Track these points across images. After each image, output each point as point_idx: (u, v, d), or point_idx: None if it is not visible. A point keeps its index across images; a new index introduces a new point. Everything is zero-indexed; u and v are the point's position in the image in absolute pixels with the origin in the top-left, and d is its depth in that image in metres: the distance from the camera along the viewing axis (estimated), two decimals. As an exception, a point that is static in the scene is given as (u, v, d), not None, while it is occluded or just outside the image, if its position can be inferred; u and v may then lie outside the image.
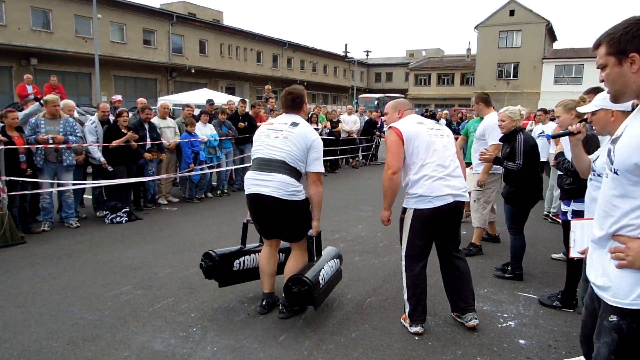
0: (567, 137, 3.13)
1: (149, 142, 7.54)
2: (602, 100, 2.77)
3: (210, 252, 3.96)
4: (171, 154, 8.29)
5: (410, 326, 3.53)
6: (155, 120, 8.08)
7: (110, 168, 6.93)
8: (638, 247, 1.66)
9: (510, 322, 3.75)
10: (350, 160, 14.68)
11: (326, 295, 3.81)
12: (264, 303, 3.86)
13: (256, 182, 3.56)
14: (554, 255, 5.44)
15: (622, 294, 1.72)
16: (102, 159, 6.90)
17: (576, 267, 3.96)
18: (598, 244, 1.84)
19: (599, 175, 2.53)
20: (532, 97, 36.97)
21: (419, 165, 3.38)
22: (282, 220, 3.62)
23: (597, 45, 1.76)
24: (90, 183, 7.14)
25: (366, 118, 15.48)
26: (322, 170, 3.68)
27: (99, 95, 19.32)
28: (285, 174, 3.49)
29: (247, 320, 3.70)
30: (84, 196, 7.43)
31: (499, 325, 3.70)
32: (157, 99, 19.32)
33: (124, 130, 7.04)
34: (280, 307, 3.78)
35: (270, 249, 3.88)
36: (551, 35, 43.18)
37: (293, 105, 3.74)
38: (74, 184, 6.61)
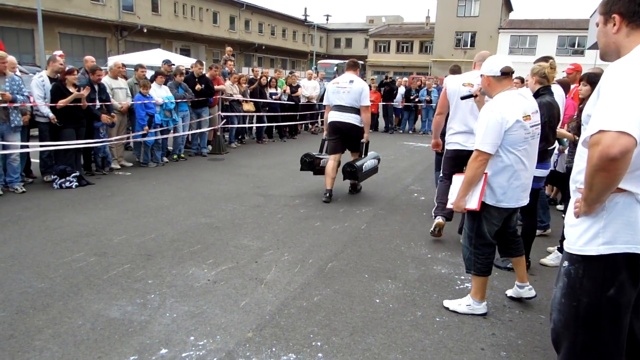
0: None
1: (98, 104, 7.13)
2: (483, 69, 3.16)
3: (309, 153, 6.78)
4: (122, 117, 7.90)
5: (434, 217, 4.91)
6: (106, 79, 7.63)
7: (58, 123, 6.51)
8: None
9: (467, 284, 3.86)
10: (310, 125, 14.56)
11: (366, 177, 6.49)
12: (327, 195, 6.21)
13: (338, 116, 6.15)
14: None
15: (572, 240, 1.87)
16: (51, 114, 6.47)
17: (529, 232, 4.12)
18: (574, 195, 1.95)
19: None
20: (488, 67, 37.66)
21: (451, 118, 4.77)
22: (350, 136, 6.27)
23: (600, 5, 1.92)
24: (37, 145, 6.71)
25: (327, 84, 15.30)
26: (369, 103, 6.26)
27: (43, 53, 18.01)
28: (353, 112, 6.13)
29: (207, 286, 3.63)
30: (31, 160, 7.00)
31: (457, 287, 3.81)
32: (107, 58, 18.31)
33: (71, 89, 6.61)
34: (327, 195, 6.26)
35: (334, 162, 6.27)
36: (507, 5, 43.77)
37: (353, 66, 6.37)
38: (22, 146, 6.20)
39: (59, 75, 6.87)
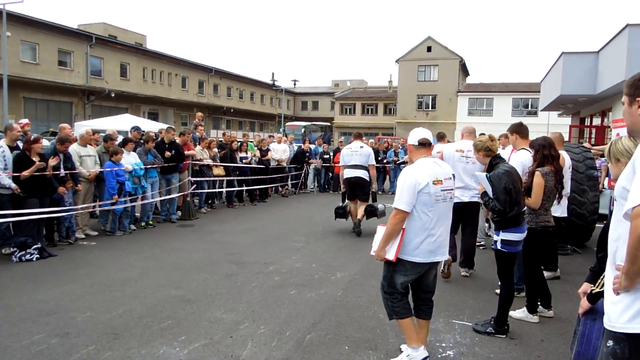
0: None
1: (62, 172, 6.94)
2: (408, 138, 3.58)
3: (340, 205, 8.82)
4: (89, 185, 7.71)
5: None
6: (75, 147, 7.49)
7: (22, 194, 6.26)
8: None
9: (449, 352, 3.79)
10: (280, 188, 14.58)
11: (382, 215, 8.21)
12: (356, 224, 8.37)
13: (352, 172, 8.21)
14: (462, 272, 5.81)
15: (614, 317, 1.79)
16: (13, 185, 6.23)
17: (506, 294, 4.13)
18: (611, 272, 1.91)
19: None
20: (449, 127, 39.15)
21: None
22: (361, 188, 8.27)
23: (625, 85, 2.02)
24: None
25: (296, 147, 15.55)
26: (375, 163, 8.77)
27: (7, 118, 17.76)
28: (363, 169, 8.22)
29: (179, 366, 3.42)
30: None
31: (439, 356, 3.73)
32: (74, 123, 18.12)
33: (34, 159, 6.44)
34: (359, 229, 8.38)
35: (355, 205, 8.45)
36: (464, 70, 46.43)
37: (359, 136, 8.77)
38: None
39: (17, 143, 6.71)
